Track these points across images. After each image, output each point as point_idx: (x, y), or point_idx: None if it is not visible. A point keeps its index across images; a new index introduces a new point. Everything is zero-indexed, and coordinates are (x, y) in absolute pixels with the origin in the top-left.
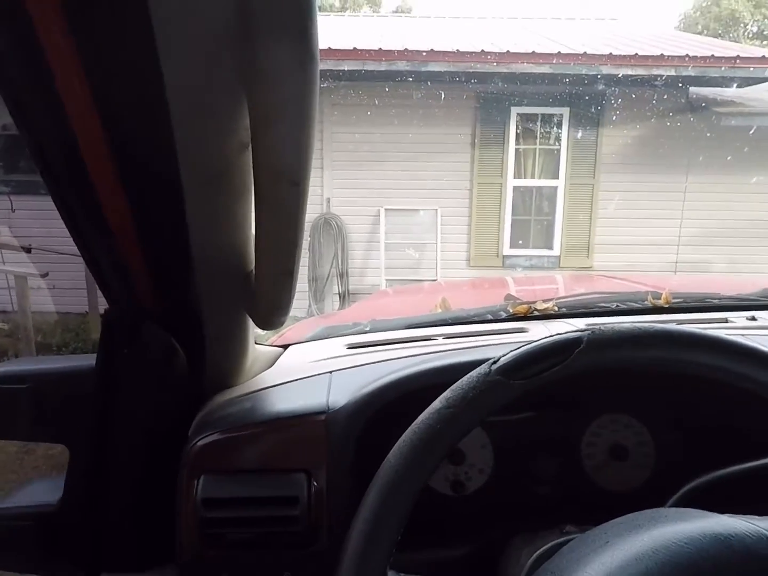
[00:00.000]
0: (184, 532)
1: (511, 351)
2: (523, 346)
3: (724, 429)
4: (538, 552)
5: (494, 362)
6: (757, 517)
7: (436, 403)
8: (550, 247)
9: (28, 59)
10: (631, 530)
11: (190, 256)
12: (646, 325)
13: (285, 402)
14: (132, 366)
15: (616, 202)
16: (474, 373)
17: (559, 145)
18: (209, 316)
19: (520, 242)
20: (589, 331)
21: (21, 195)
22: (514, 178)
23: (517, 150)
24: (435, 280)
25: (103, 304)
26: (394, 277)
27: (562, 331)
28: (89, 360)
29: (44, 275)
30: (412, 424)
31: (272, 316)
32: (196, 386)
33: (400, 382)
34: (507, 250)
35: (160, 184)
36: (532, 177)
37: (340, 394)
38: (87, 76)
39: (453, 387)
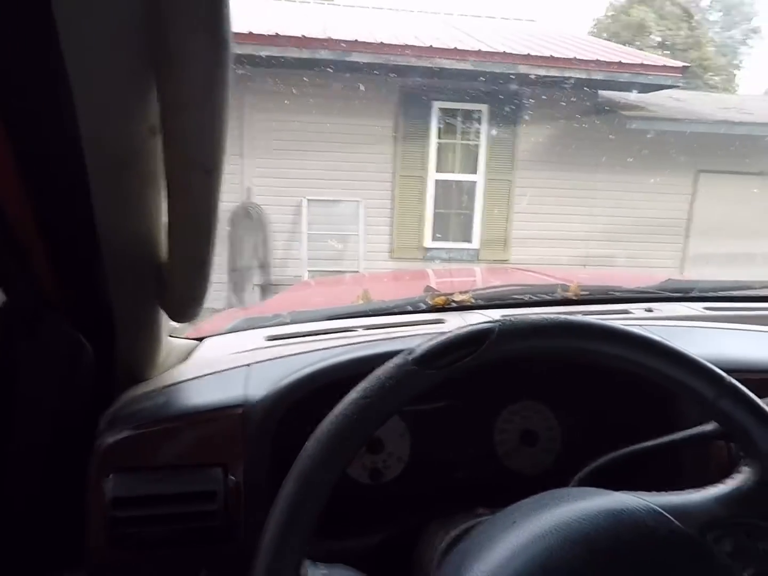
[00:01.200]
0: (93, 533)
1: (426, 342)
2: (438, 336)
3: (623, 413)
4: (450, 535)
5: (410, 353)
6: (647, 492)
7: (353, 394)
8: (469, 241)
9: None
10: (536, 510)
11: (96, 245)
12: (552, 316)
13: (200, 396)
14: (32, 361)
15: (529, 198)
16: (390, 363)
17: (479, 140)
18: (118, 308)
19: (440, 235)
20: (500, 323)
21: None
22: (436, 171)
23: (438, 144)
24: (357, 272)
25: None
26: (316, 268)
27: (476, 322)
28: None
29: None
30: (329, 414)
31: (186, 307)
32: (105, 381)
33: (318, 373)
34: (428, 243)
35: (62, 170)
36: (453, 171)
37: (259, 386)
38: None
39: (369, 377)
